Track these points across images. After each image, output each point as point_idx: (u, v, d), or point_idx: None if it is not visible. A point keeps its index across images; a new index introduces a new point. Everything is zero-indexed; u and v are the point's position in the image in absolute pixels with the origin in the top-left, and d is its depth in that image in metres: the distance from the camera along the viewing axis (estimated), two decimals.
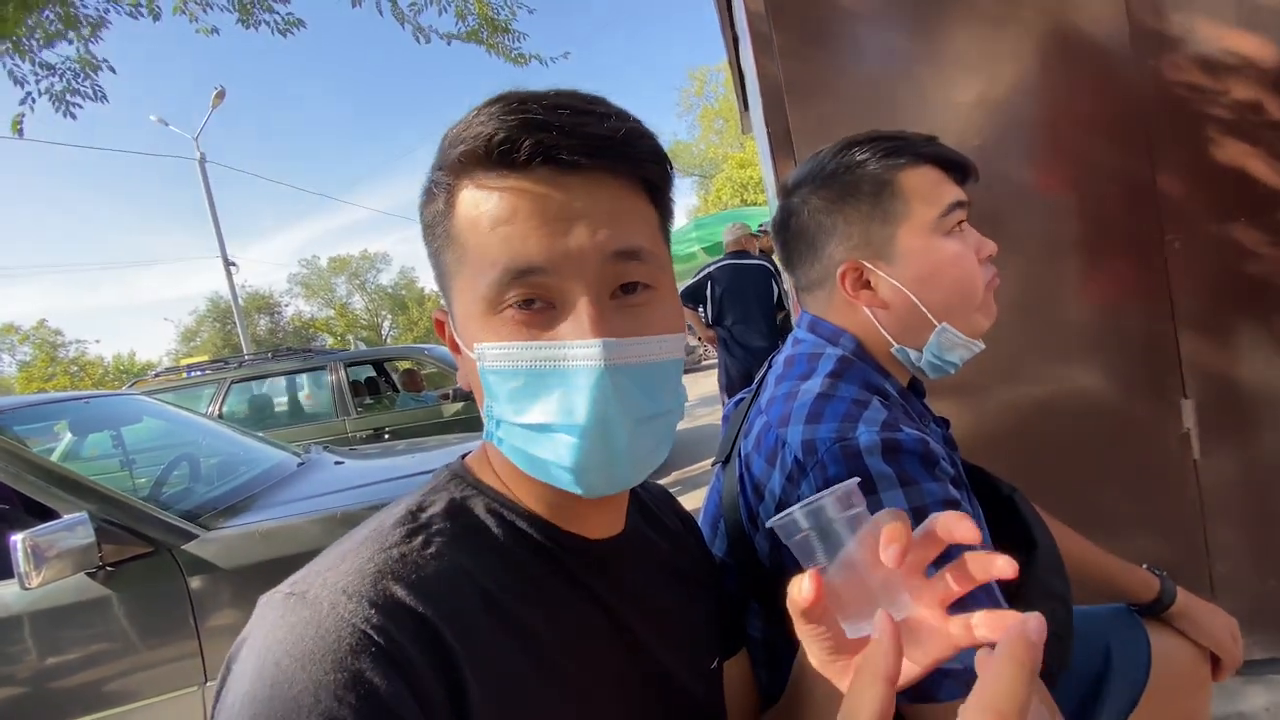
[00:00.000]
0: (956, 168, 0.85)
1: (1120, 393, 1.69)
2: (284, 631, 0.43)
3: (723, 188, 21.91)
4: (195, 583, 1.77)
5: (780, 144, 1.74)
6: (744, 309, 4.19)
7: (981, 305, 0.84)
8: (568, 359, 0.47)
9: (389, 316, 38.92)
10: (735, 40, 3.23)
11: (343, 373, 5.22)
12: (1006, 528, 0.87)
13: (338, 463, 2.80)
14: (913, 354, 0.85)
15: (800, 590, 0.44)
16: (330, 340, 34.35)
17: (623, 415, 0.48)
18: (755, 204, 17.88)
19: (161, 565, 1.78)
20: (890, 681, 0.39)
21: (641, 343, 0.49)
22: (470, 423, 4.87)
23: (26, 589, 1.60)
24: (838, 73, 1.71)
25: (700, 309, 4.32)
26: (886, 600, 0.43)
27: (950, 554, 0.46)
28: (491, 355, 0.49)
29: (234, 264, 14.69)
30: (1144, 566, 1.05)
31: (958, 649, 0.44)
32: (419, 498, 0.56)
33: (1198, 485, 1.69)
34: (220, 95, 13.03)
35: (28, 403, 2.53)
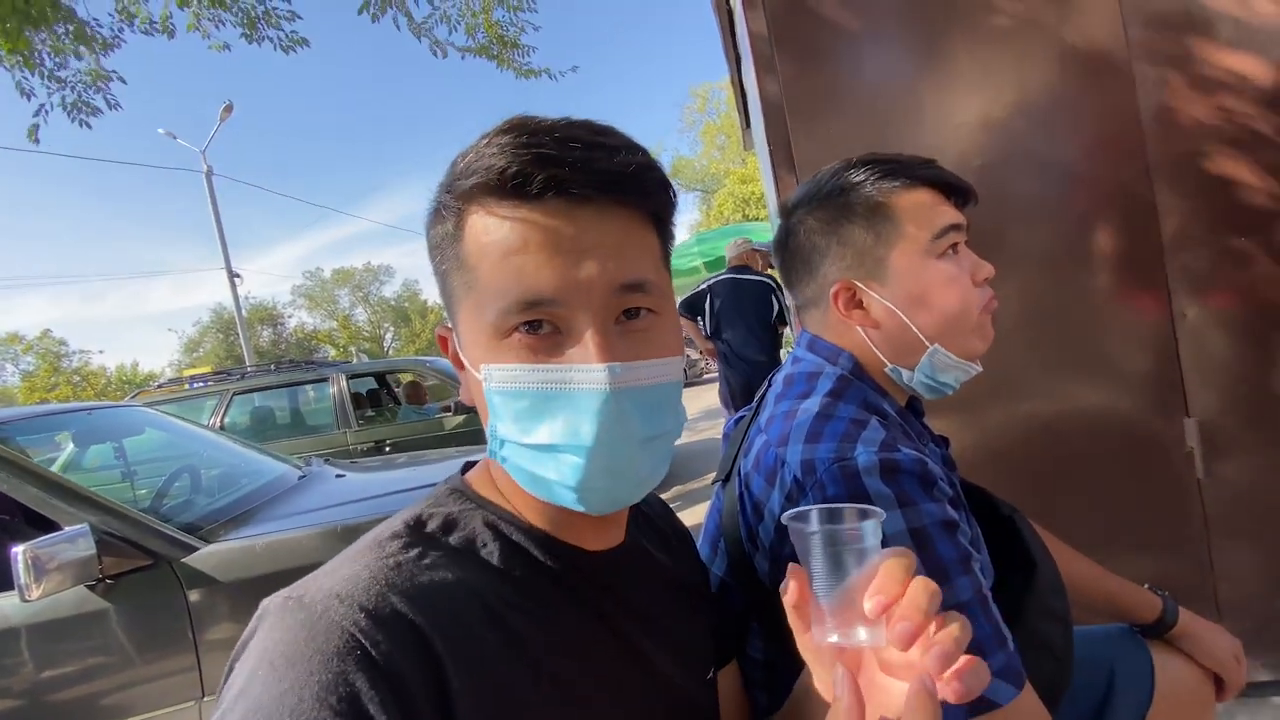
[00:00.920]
0: (954, 190, 0.85)
1: (1122, 412, 1.69)
2: (280, 633, 0.44)
3: (724, 203, 22.01)
4: (194, 596, 1.77)
5: (781, 161, 1.75)
6: (743, 323, 4.19)
7: (976, 328, 0.84)
8: (574, 382, 0.49)
9: (391, 328, 39.01)
10: (737, 59, 3.27)
11: (344, 385, 5.23)
12: (1006, 548, 0.87)
13: (339, 476, 2.80)
14: (905, 374, 0.85)
15: (787, 590, 0.47)
16: (333, 352, 34.43)
17: (626, 437, 0.50)
18: (757, 219, 17.95)
19: (161, 578, 1.78)
20: None
21: (645, 366, 0.51)
22: (472, 436, 4.86)
23: (26, 601, 1.60)
24: (839, 91, 1.73)
25: (699, 320, 4.33)
26: (870, 626, 0.44)
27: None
28: (499, 377, 0.51)
29: (238, 275, 14.77)
30: (1146, 587, 1.05)
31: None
32: (418, 511, 0.57)
33: (1201, 505, 1.68)
34: (228, 109, 13.16)
35: (30, 414, 2.54)
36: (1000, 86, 1.68)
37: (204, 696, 1.75)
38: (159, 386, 6.09)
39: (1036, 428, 1.72)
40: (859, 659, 0.47)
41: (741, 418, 0.94)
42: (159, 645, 1.75)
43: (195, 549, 1.83)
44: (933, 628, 0.41)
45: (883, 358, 0.85)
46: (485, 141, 0.50)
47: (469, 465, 0.64)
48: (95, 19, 3.75)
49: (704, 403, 9.28)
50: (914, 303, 0.82)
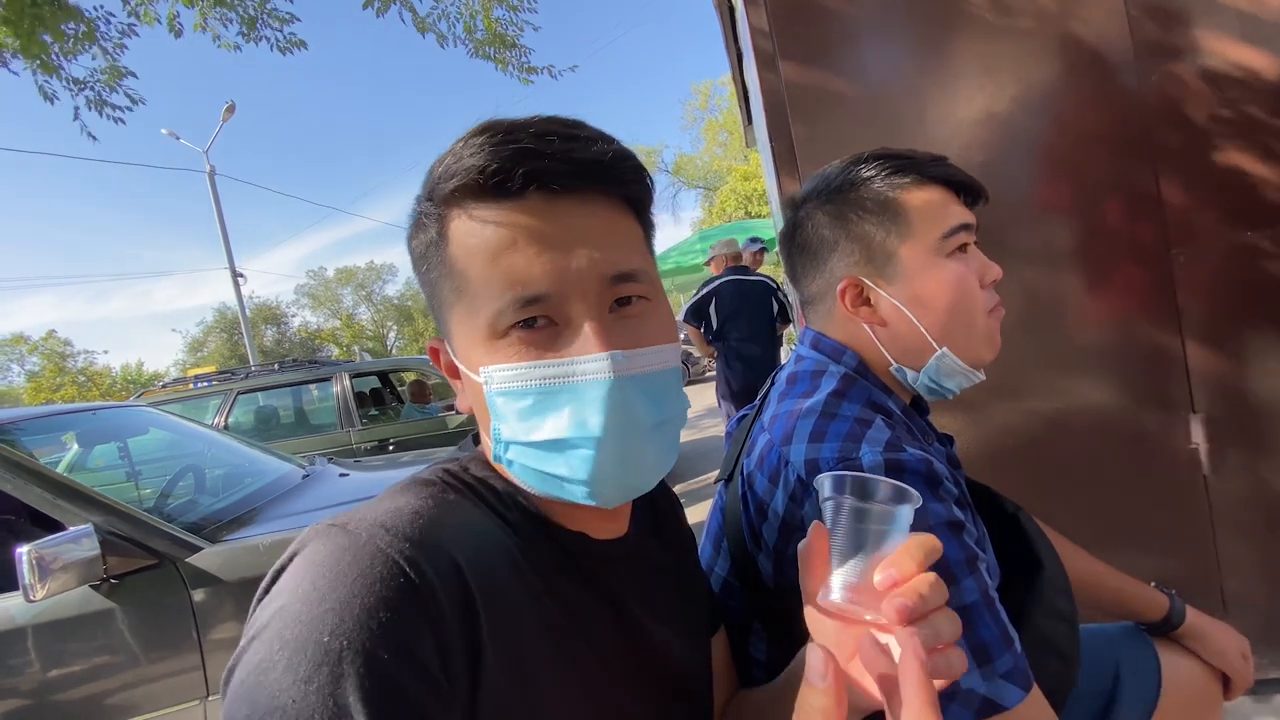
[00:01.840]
0: (965, 189, 0.84)
1: (1127, 408, 1.68)
2: (323, 554, 0.44)
3: (727, 200, 21.96)
4: (199, 595, 1.77)
5: (784, 158, 1.75)
6: (745, 323, 4.20)
7: (984, 335, 0.82)
8: (577, 374, 0.49)
9: (394, 327, 39.07)
10: (739, 55, 3.26)
11: (348, 384, 5.23)
12: (1011, 547, 0.86)
13: (343, 475, 2.80)
14: (910, 375, 0.84)
15: (807, 545, 0.49)
16: (337, 351, 34.50)
17: (634, 424, 0.50)
18: (759, 216, 17.93)
19: (165, 578, 1.78)
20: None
21: (644, 353, 0.51)
22: (475, 436, 4.86)
23: (31, 601, 1.60)
24: (841, 87, 1.72)
25: (702, 325, 4.32)
26: (873, 600, 0.45)
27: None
28: (500, 377, 0.50)
29: (242, 275, 14.80)
30: (1153, 585, 1.04)
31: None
32: (451, 463, 0.58)
33: (1207, 501, 1.67)
34: (231, 109, 13.17)
35: (35, 414, 2.54)
36: (1003, 81, 1.67)
37: (209, 696, 1.75)
38: (163, 386, 6.10)
39: (1040, 425, 1.71)
40: (851, 646, 0.48)
41: (744, 416, 0.94)
42: (163, 645, 1.75)
43: (199, 549, 1.84)
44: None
45: (889, 356, 0.84)
46: (460, 145, 0.51)
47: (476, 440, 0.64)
48: (109, 12, 3.76)
49: (707, 400, 9.26)
50: (921, 302, 0.81)
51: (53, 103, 3.79)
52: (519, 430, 0.51)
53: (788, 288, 4.02)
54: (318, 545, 0.45)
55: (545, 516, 0.56)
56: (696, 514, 4.34)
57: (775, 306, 4.26)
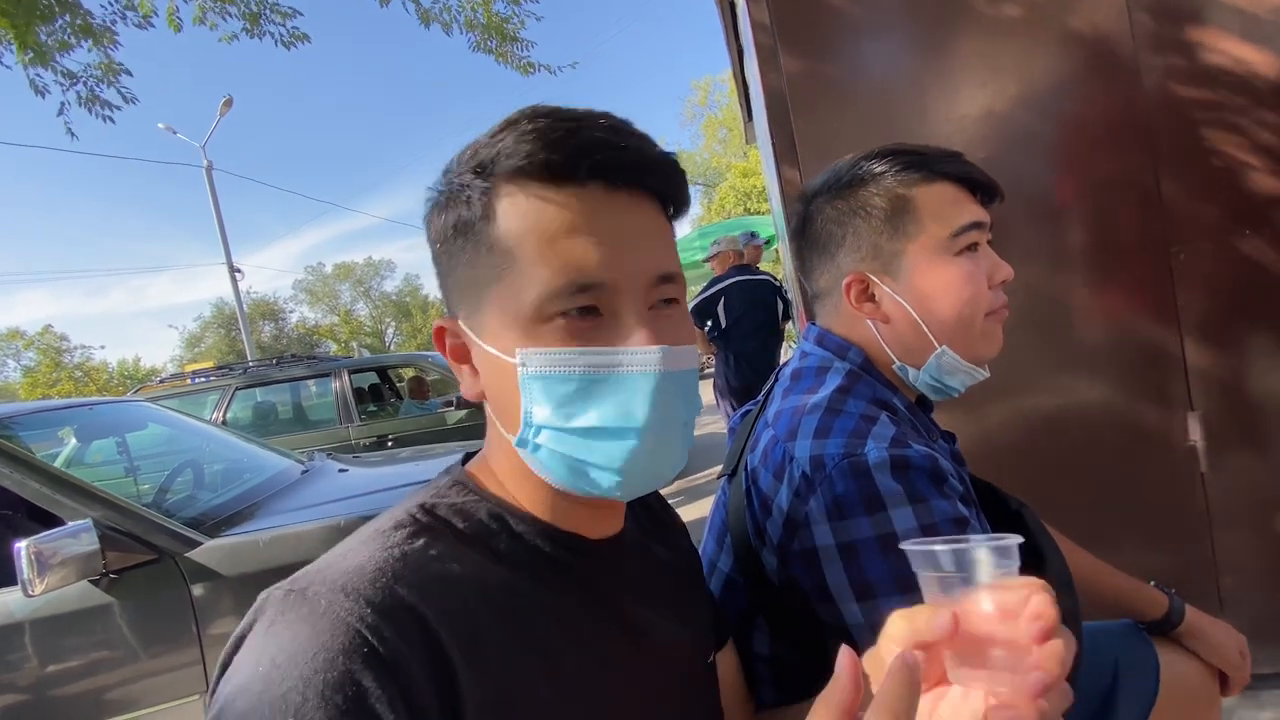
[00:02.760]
0: (978, 187, 0.83)
1: (1126, 406, 1.68)
2: (281, 627, 0.43)
3: (726, 196, 21.94)
4: (198, 590, 1.77)
5: (784, 154, 1.75)
6: (750, 323, 4.20)
7: (983, 334, 0.81)
8: (627, 365, 0.50)
9: (393, 323, 39.02)
10: (740, 52, 3.25)
11: (347, 380, 5.23)
12: None
13: (341, 470, 2.80)
14: (912, 373, 0.84)
15: (935, 622, 0.39)
16: (335, 347, 34.46)
17: (672, 418, 0.51)
18: (759, 212, 17.91)
19: (165, 573, 1.78)
20: (847, 715, 0.37)
21: (685, 351, 0.53)
22: (474, 430, 4.86)
23: (30, 596, 1.60)
24: (842, 84, 1.72)
25: (708, 324, 4.31)
26: (1000, 669, 0.39)
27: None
28: (540, 361, 0.50)
29: (239, 270, 14.76)
30: (1151, 583, 1.04)
31: None
32: (421, 500, 0.56)
33: (1205, 499, 1.67)
34: (228, 103, 13.12)
35: (32, 409, 2.54)
36: (1004, 77, 1.67)
37: (208, 690, 1.75)
38: (161, 382, 6.10)
39: (1039, 421, 1.71)
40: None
41: (748, 412, 0.94)
42: (163, 640, 1.75)
43: (199, 544, 1.83)
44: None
45: (891, 354, 0.84)
46: (519, 125, 0.50)
47: (468, 456, 0.63)
48: (114, 15, 3.74)
49: (706, 397, 9.27)
50: (926, 300, 0.80)
51: (44, 96, 3.75)
52: (555, 415, 0.51)
53: (788, 285, 4.02)
54: (276, 616, 0.44)
55: (537, 520, 0.56)
56: (698, 510, 4.34)
57: (780, 305, 4.26)
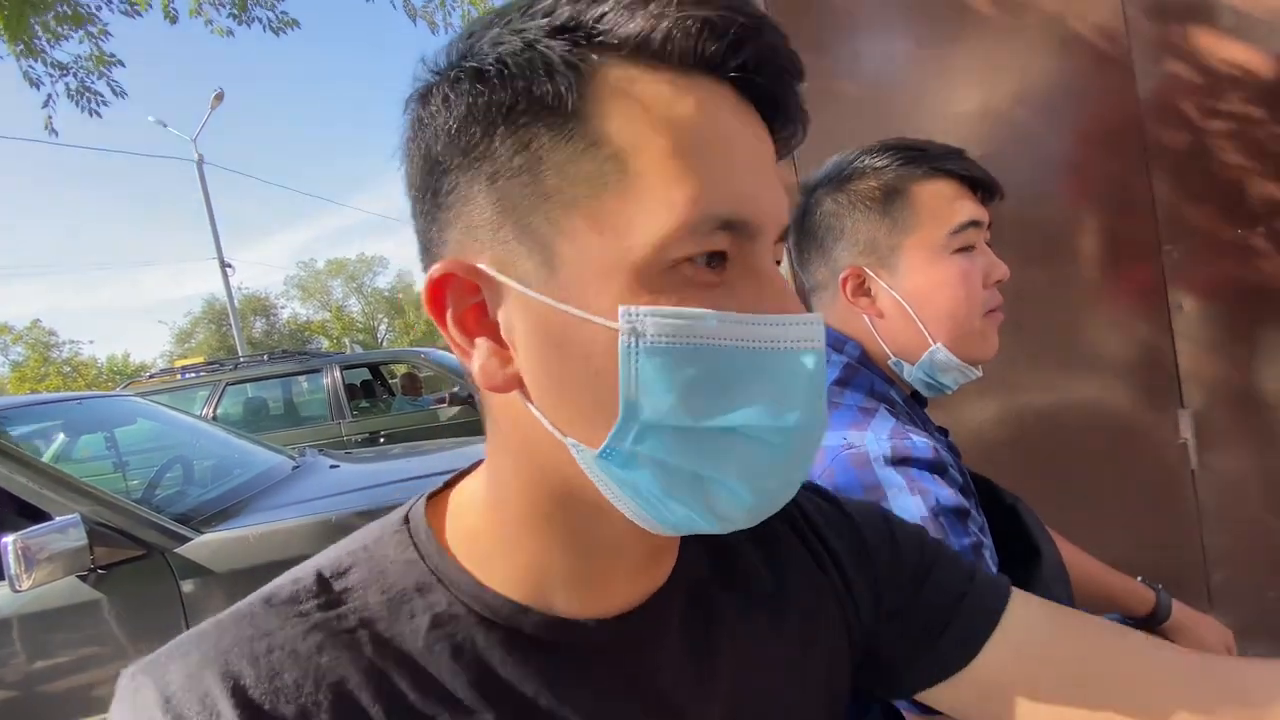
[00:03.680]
0: (979, 185, 0.83)
1: (1117, 403, 1.69)
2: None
3: None
4: (187, 586, 1.76)
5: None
6: None
7: (978, 334, 0.81)
8: (780, 340, 0.33)
9: (385, 320, 38.89)
10: None
11: (338, 376, 5.21)
12: (1010, 538, 0.87)
13: (333, 466, 2.78)
14: (906, 368, 0.84)
15: None
16: (327, 343, 34.33)
17: (821, 414, 0.36)
18: None
19: (154, 568, 1.77)
20: None
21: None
22: (467, 427, 4.85)
23: (17, 591, 1.58)
24: (837, 82, 1.72)
25: None
26: None
27: None
28: (664, 327, 0.32)
29: (230, 266, 14.68)
30: (1139, 580, 1.05)
31: None
32: (340, 554, 0.40)
33: (1195, 496, 1.68)
34: (219, 97, 13.05)
35: (20, 403, 2.51)
36: (999, 76, 1.67)
37: None
38: (151, 377, 6.06)
39: (1029, 419, 1.72)
40: None
41: None
42: (152, 635, 1.74)
43: (188, 539, 1.82)
44: None
45: (886, 349, 0.84)
46: None
47: (460, 475, 0.45)
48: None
49: None
50: (920, 296, 0.80)
51: (38, 88, 3.74)
52: (681, 410, 0.32)
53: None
54: (114, 706, 0.34)
55: (525, 607, 0.38)
56: None
57: None
